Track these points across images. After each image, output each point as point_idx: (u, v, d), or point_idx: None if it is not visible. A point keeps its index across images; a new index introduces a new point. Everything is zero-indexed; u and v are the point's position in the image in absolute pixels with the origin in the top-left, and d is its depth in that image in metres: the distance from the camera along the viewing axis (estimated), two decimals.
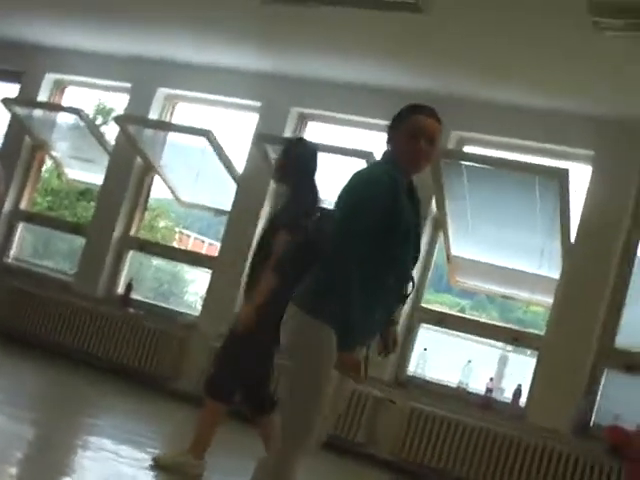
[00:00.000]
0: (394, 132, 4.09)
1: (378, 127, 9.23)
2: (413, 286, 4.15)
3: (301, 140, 7.15)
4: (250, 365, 6.05)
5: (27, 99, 11.68)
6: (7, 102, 11.50)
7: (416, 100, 4.18)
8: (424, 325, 9.07)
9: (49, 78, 11.75)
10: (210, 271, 10.09)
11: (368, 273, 3.85)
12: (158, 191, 11.39)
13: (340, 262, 3.79)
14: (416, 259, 4.11)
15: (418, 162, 4.05)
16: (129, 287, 10.47)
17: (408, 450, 8.39)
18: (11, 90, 11.95)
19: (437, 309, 9.32)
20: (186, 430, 6.47)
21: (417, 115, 4.05)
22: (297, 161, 6.22)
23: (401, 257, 3.99)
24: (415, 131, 3.99)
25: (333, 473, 7.88)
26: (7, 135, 11.78)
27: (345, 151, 9.18)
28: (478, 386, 8.79)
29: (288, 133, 9.90)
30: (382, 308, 4.01)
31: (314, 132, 10.01)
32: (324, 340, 3.83)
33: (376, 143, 9.29)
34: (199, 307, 10.35)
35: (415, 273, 4.26)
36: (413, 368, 8.99)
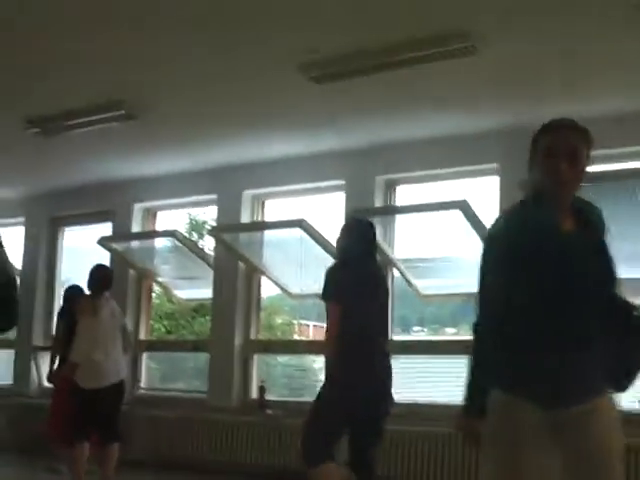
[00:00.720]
0: (531, 162, 3.62)
1: (469, 174, 9.26)
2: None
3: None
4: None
5: (122, 233, 11.93)
6: (104, 241, 11.74)
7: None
8: None
9: (138, 208, 12.01)
10: None
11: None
12: (268, 289, 11.45)
13: None
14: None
15: (558, 185, 3.50)
16: (262, 390, 10.48)
17: None
18: (105, 229, 12.22)
19: None
20: None
21: (546, 133, 3.58)
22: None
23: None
24: (546, 151, 3.52)
25: None
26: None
27: (438, 205, 9.13)
28: None
29: (378, 203, 9.92)
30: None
31: (405, 195, 10.03)
32: None
33: (469, 190, 9.30)
34: None
35: None
36: None
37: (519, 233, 3.51)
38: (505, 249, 3.50)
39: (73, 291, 9.52)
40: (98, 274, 8.76)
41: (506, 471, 3.40)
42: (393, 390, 6.49)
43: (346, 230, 6.55)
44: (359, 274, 6.29)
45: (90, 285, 8.77)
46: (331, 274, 6.30)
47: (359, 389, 6.08)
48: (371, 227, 6.61)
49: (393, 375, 6.47)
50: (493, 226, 3.68)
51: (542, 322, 3.42)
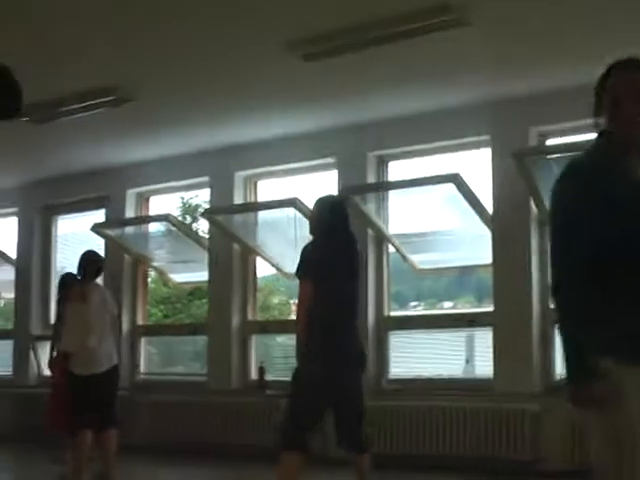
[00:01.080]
0: (598, 106, 3.44)
1: (461, 146, 9.30)
2: None
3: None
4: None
5: (115, 219, 11.91)
6: (97, 227, 11.72)
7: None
8: None
9: (131, 193, 11.99)
10: None
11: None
12: (263, 270, 11.45)
13: None
14: None
15: (626, 127, 3.33)
16: (261, 370, 10.50)
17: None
18: (98, 216, 12.21)
19: None
20: None
21: (612, 75, 3.38)
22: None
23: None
24: (613, 93, 3.34)
25: None
26: (106, 259, 11.97)
27: (431, 180, 9.13)
28: None
29: (371, 179, 9.92)
30: None
31: (397, 170, 10.03)
32: None
33: (466, 162, 9.30)
34: None
35: None
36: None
37: (599, 178, 3.34)
38: (591, 193, 3.31)
39: (66, 278, 9.50)
40: (86, 260, 8.73)
41: None
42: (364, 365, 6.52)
43: (317, 207, 6.56)
44: (331, 250, 6.31)
45: (79, 272, 8.76)
46: (304, 252, 6.33)
47: (332, 363, 6.10)
48: (342, 203, 6.64)
49: (363, 351, 6.53)
50: (567, 174, 3.44)
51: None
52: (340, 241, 6.41)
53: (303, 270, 6.29)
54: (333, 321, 6.21)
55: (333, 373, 6.11)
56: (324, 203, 6.60)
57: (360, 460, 6.29)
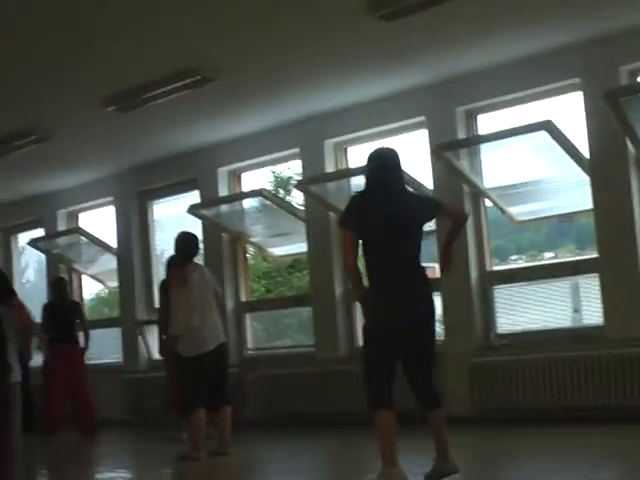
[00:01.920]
0: None
1: (551, 93, 9.15)
2: None
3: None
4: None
5: (209, 199, 11.98)
6: (193, 209, 11.81)
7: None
8: None
9: (222, 172, 12.03)
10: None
11: None
12: None
13: None
14: None
15: None
16: None
17: None
18: (192, 198, 12.30)
19: None
20: None
21: None
22: None
23: None
24: None
25: None
26: (204, 239, 12.09)
27: (523, 129, 8.95)
28: None
29: (462, 134, 9.79)
30: None
31: (487, 123, 9.89)
32: None
33: (557, 109, 9.12)
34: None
35: None
36: None
37: None
38: None
39: (172, 261, 9.60)
40: (181, 242, 8.82)
41: None
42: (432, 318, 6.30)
43: (369, 160, 6.43)
44: (377, 202, 6.17)
45: (176, 254, 8.87)
46: (349, 202, 6.24)
47: (392, 316, 6.00)
48: (394, 156, 6.44)
49: (430, 303, 6.24)
50: None
51: None
52: (379, 192, 6.25)
53: (341, 219, 6.25)
54: (380, 272, 6.09)
55: (390, 325, 6.02)
56: (369, 156, 6.48)
57: (434, 415, 6.14)
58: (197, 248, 8.91)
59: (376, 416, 5.94)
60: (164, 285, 9.84)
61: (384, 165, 6.26)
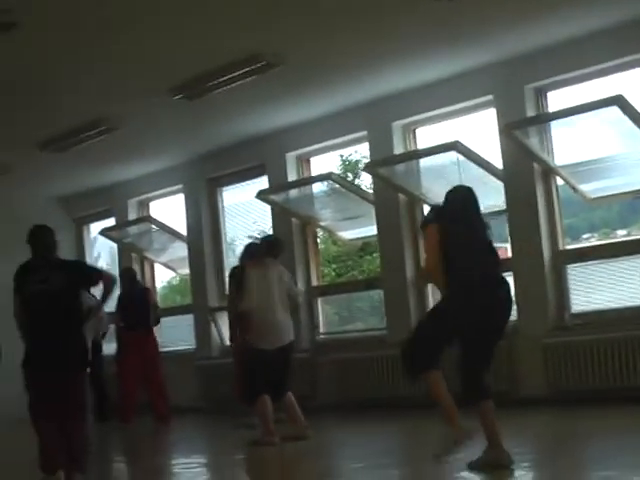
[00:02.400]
0: None
1: (622, 67, 9.00)
2: None
3: None
4: None
5: (278, 184, 11.98)
6: (262, 194, 11.82)
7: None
8: None
9: (290, 157, 12.03)
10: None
11: None
12: None
13: None
14: None
15: None
16: None
17: None
18: (260, 184, 12.31)
19: None
20: None
21: None
22: None
23: None
24: None
25: None
26: (274, 225, 12.11)
27: (594, 105, 8.81)
28: None
29: (531, 112, 9.66)
30: None
31: (557, 100, 9.73)
32: None
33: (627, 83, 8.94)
34: None
35: None
36: None
37: None
38: None
39: (250, 248, 9.68)
40: (268, 245, 9.02)
41: None
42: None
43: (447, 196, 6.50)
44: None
45: (261, 250, 9.00)
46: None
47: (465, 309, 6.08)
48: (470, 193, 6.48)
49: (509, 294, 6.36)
50: None
51: None
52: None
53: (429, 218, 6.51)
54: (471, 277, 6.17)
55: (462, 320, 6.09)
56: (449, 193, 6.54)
57: (482, 406, 6.10)
58: (279, 249, 9.10)
59: (427, 377, 6.15)
60: (235, 272, 9.89)
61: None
